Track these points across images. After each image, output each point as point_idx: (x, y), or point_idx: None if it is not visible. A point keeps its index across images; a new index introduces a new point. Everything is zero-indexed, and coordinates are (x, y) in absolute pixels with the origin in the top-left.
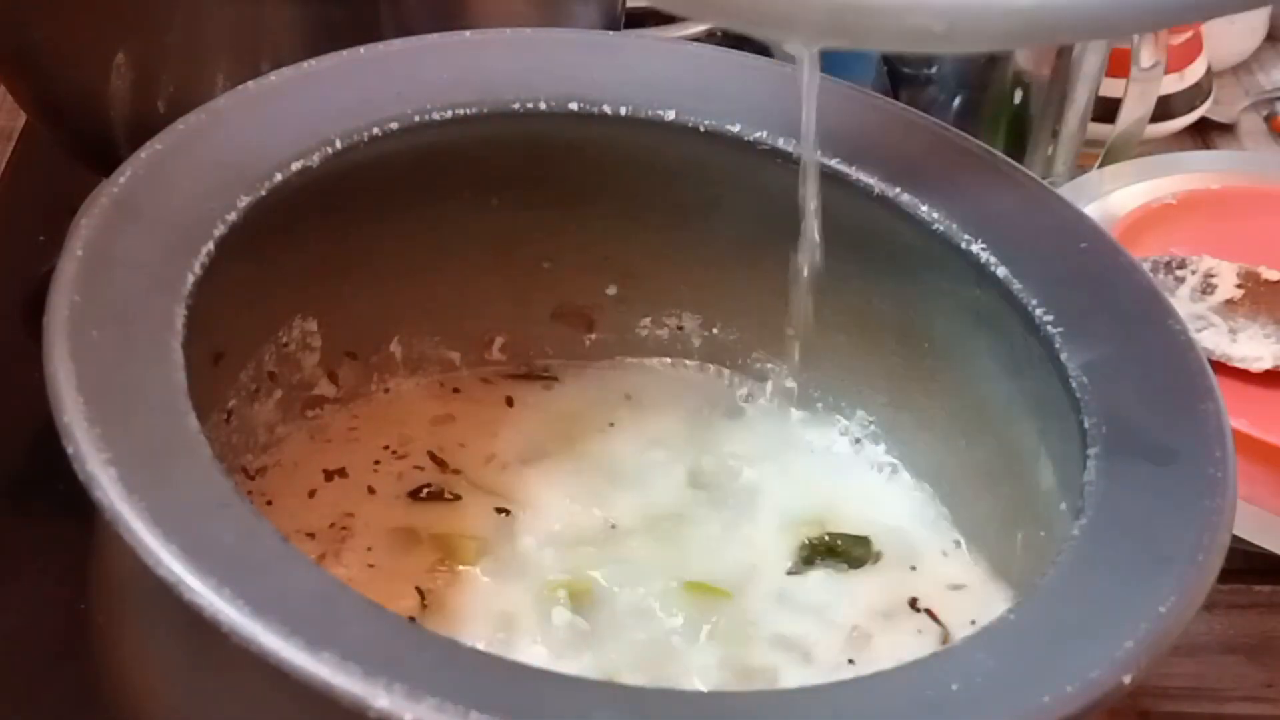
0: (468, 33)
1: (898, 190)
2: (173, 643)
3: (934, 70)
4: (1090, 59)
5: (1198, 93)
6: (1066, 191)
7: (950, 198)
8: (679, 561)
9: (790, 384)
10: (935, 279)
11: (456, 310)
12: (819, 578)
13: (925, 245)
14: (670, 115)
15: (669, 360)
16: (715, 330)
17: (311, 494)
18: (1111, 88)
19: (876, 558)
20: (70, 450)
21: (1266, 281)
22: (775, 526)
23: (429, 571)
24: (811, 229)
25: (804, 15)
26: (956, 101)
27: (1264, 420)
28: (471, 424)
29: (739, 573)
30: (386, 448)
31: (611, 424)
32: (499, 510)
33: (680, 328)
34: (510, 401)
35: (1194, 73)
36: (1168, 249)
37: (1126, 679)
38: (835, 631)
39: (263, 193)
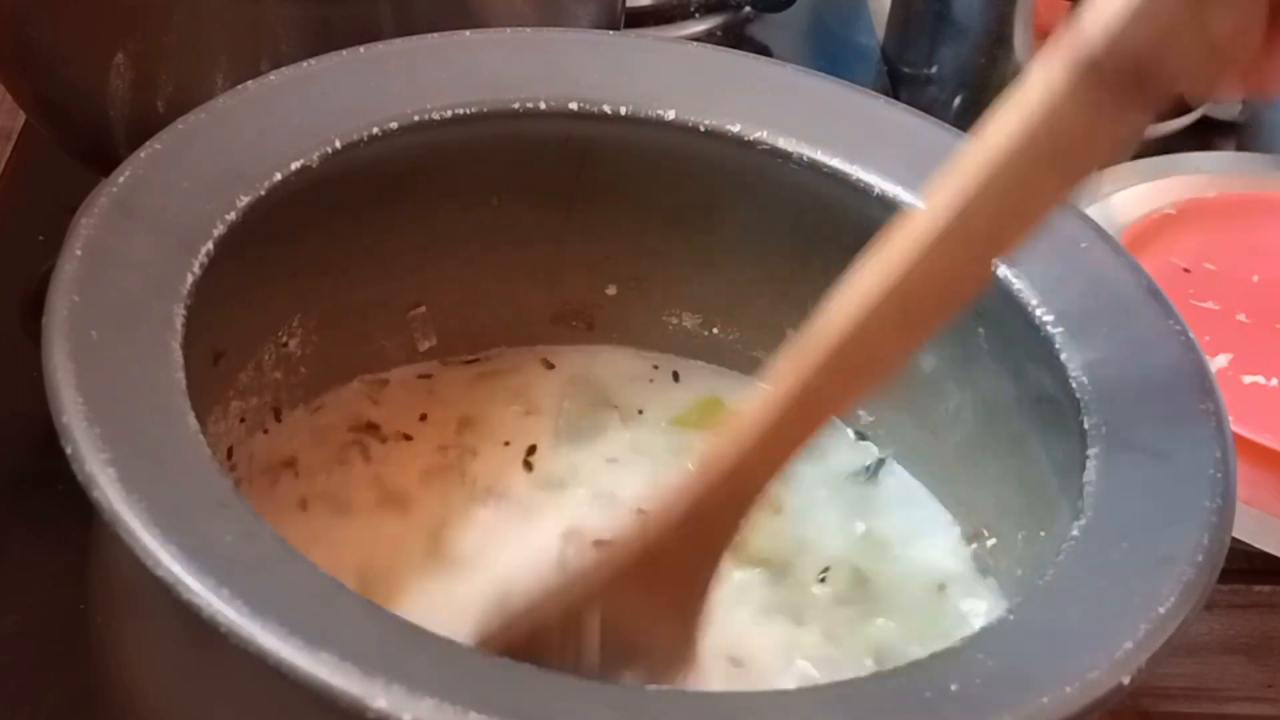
0: (468, 33)
1: (898, 190)
2: (172, 643)
3: (934, 70)
4: None
5: None
6: None
7: None
8: None
9: None
10: None
11: (456, 310)
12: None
13: None
14: (670, 115)
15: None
16: (715, 330)
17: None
18: None
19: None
20: (69, 450)
21: None
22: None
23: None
24: None
25: None
26: (956, 101)
27: (1264, 422)
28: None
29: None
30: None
31: (610, 420)
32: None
33: (680, 327)
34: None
35: None
36: (1168, 260)
37: (1126, 680)
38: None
39: (262, 193)
